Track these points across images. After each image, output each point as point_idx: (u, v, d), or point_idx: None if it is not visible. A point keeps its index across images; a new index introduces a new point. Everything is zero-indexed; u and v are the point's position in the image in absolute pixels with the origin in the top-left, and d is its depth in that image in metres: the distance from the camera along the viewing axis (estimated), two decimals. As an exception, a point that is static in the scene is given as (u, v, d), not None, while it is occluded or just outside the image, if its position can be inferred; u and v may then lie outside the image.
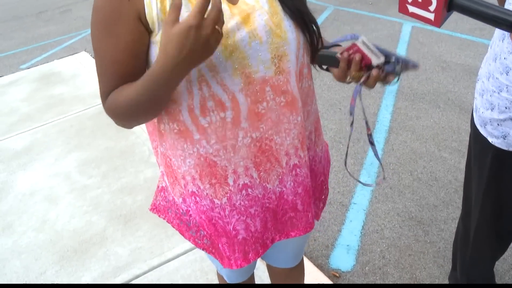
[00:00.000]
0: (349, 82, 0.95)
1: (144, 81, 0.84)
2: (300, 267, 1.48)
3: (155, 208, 1.19)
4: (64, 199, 2.84)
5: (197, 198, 1.05)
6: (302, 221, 1.13)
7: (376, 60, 0.87)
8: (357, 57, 0.89)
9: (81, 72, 4.91)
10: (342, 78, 0.95)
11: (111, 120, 0.95)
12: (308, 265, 2.08)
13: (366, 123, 1.00)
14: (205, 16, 0.74)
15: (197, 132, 0.95)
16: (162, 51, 0.78)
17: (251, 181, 1.02)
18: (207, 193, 1.02)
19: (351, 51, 0.90)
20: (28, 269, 2.34)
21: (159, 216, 1.18)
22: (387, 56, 0.87)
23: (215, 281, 2.09)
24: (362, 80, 0.91)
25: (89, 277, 2.23)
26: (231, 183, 1.01)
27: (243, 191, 1.03)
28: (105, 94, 0.93)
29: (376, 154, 1.03)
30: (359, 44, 0.87)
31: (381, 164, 1.15)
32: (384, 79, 0.89)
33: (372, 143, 1.03)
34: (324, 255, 2.23)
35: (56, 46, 6.15)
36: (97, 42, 0.88)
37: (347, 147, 1.12)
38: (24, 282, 2.26)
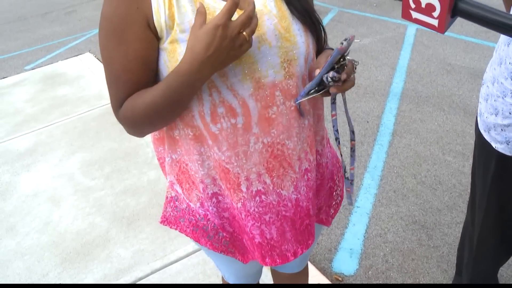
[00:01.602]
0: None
1: (167, 82, 0.84)
2: (304, 271, 1.48)
3: (165, 220, 1.17)
4: (67, 200, 2.84)
5: (220, 197, 1.05)
6: (313, 226, 1.13)
7: (321, 89, 0.92)
8: (317, 95, 0.93)
9: (85, 73, 4.92)
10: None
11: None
12: (311, 269, 2.07)
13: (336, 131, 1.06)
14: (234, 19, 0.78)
15: (210, 139, 0.95)
16: (189, 50, 0.80)
17: (264, 187, 1.01)
18: (228, 193, 1.03)
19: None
20: (31, 270, 2.34)
21: (170, 227, 1.16)
22: (315, 85, 0.91)
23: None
24: (331, 97, 0.96)
25: (92, 279, 2.23)
26: (244, 189, 1.00)
27: (257, 198, 1.02)
28: (118, 104, 0.92)
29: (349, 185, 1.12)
30: (303, 100, 0.95)
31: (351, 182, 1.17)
32: (345, 82, 0.89)
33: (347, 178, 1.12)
34: (327, 259, 2.22)
35: (61, 47, 6.16)
36: (107, 51, 0.88)
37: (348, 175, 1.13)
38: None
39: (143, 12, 0.83)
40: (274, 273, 1.51)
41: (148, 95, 0.87)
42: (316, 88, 0.92)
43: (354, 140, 1.07)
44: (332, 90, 0.89)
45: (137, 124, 0.92)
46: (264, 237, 1.07)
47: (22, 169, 3.27)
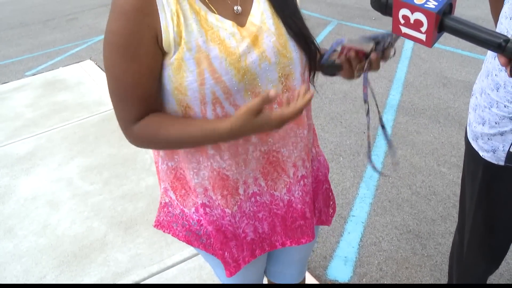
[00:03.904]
0: (358, 76, 1.03)
1: (198, 131, 0.91)
2: (303, 282, 1.51)
3: (159, 224, 1.21)
4: (65, 204, 2.87)
5: (207, 209, 1.09)
6: (311, 228, 1.17)
7: (367, 47, 0.95)
8: (352, 54, 0.97)
9: (85, 80, 4.97)
10: (350, 76, 1.02)
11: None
12: (305, 276, 2.10)
13: (377, 106, 1.17)
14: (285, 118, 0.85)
15: (212, 148, 0.99)
16: (236, 128, 0.86)
17: (259, 189, 1.08)
18: (218, 203, 1.07)
19: (345, 52, 0.98)
20: (28, 273, 2.36)
21: (164, 231, 1.20)
22: (375, 38, 0.95)
23: (213, 289, 2.11)
24: (366, 68, 1.00)
25: (88, 282, 2.25)
26: (241, 192, 1.06)
27: (252, 199, 1.09)
28: (129, 121, 0.94)
29: (386, 136, 1.14)
30: (347, 44, 0.97)
31: (391, 146, 1.19)
32: (384, 56, 0.97)
33: (383, 126, 1.13)
34: (322, 266, 2.25)
35: (62, 54, 6.22)
36: (116, 67, 0.89)
37: (368, 137, 1.13)
38: (24, 286, 2.28)
39: (153, 29, 0.86)
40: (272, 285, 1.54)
41: (172, 131, 0.92)
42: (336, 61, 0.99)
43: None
44: (373, 55, 0.95)
45: (150, 146, 1.00)
46: (256, 232, 1.14)
47: (21, 173, 3.30)
